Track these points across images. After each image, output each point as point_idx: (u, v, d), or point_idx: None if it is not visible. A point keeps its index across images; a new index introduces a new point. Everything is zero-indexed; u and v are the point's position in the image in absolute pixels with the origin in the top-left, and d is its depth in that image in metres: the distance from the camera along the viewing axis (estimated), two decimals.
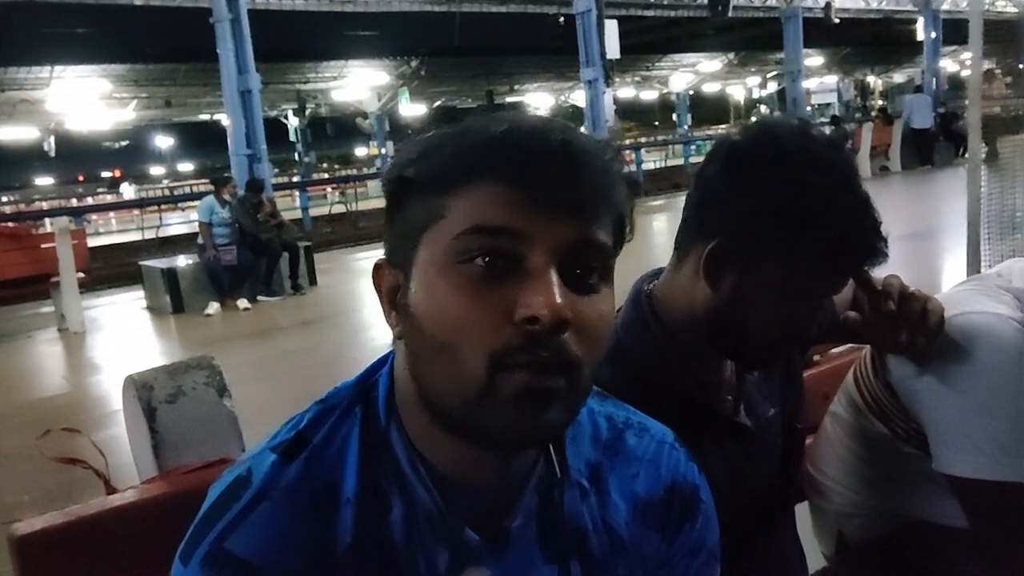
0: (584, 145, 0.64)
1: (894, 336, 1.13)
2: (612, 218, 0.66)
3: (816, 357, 1.71)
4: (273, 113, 24.07)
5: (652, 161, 25.63)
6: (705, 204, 1.02)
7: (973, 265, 4.33)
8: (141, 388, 1.70)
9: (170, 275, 8.40)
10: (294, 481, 0.68)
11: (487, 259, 0.62)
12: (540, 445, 0.72)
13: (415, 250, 0.65)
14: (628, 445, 0.81)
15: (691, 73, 29.36)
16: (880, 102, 31.42)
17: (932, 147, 16.34)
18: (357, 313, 7.33)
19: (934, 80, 18.38)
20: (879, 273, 1.07)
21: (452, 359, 0.62)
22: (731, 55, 29.05)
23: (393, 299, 0.68)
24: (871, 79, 34.87)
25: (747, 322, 1.00)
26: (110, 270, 11.55)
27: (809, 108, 22.23)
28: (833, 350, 1.72)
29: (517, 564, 0.72)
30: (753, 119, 1.24)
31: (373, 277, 0.71)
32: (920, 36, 19.13)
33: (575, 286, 0.63)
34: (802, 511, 1.40)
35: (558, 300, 0.60)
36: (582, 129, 0.71)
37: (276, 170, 23.05)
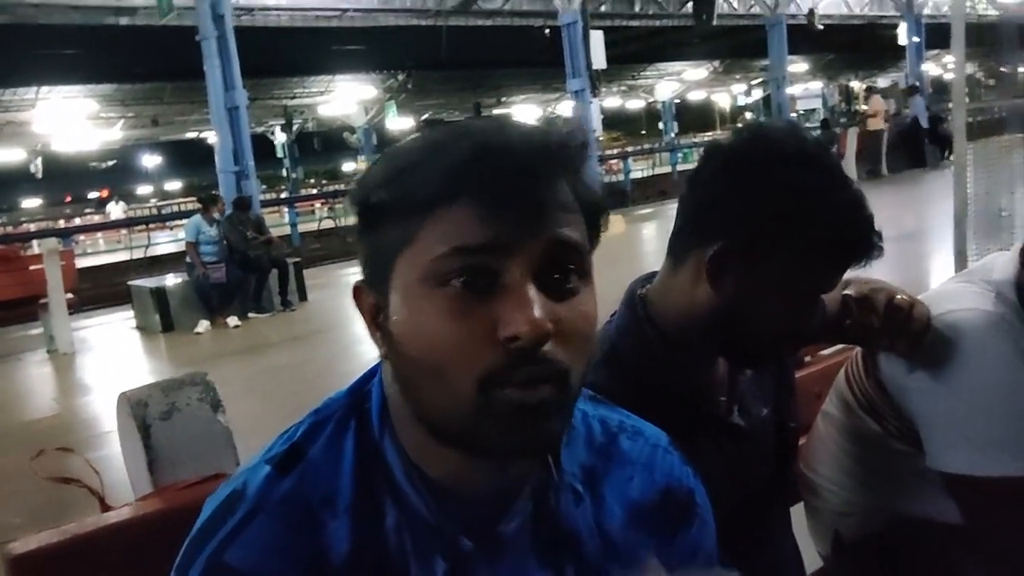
0: (553, 146, 0.64)
1: (878, 340, 1.18)
2: (585, 215, 0.66)
3: (807, 358, 1.73)
4: (260, 129, 24.09)
5: (640, 170, 25.72)
6: (703, 208, 1.03)
7: (960, 266, 4.36)
8: (135, 405, 1.70)
9: (159, 294, 8.38)
10: (289, 493, 0.68)
11: (466, 279, 0.61)
12: (539, 455, 0.72)
13: (390, 272, 0.65)
14: (622, 449, 0.81)
15: (676, 81, 29.55)
16: (864, 107, 31.59)
17: (922, 149, 16.43)
18: (347, 328, 7.32)
19: (917, 83, 18.50)
20: (872, 269, 1.08)
21: (441, 381, 0.62)
22: (716, 63, 29.27)
23: (376, 319, 0.68)
24: (855, 84, 35.10)
25: (752, 321, 1.01)
26: (99, 290, 11.51)
27: (794, 114, 22.35)
28: (824, 351, 1.73)
29: (511, 569, 0.72)
30: (742, 124, 1.26)
31: (354, 298, 0.70)
32: (903, 40, 19.25)
33: (554, 292, 0.63)
34: (797, 511, 1.40)
35: (537, 315, 0.60)
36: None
37: (264, 186, 23.07)
